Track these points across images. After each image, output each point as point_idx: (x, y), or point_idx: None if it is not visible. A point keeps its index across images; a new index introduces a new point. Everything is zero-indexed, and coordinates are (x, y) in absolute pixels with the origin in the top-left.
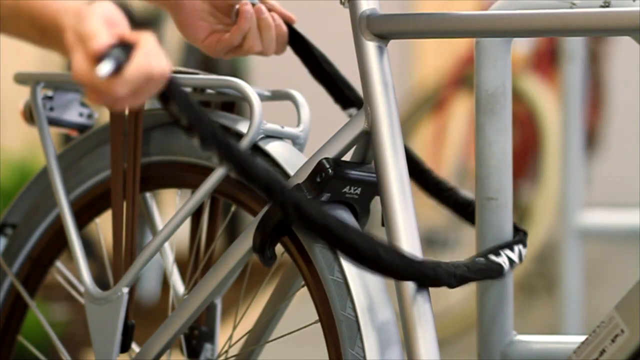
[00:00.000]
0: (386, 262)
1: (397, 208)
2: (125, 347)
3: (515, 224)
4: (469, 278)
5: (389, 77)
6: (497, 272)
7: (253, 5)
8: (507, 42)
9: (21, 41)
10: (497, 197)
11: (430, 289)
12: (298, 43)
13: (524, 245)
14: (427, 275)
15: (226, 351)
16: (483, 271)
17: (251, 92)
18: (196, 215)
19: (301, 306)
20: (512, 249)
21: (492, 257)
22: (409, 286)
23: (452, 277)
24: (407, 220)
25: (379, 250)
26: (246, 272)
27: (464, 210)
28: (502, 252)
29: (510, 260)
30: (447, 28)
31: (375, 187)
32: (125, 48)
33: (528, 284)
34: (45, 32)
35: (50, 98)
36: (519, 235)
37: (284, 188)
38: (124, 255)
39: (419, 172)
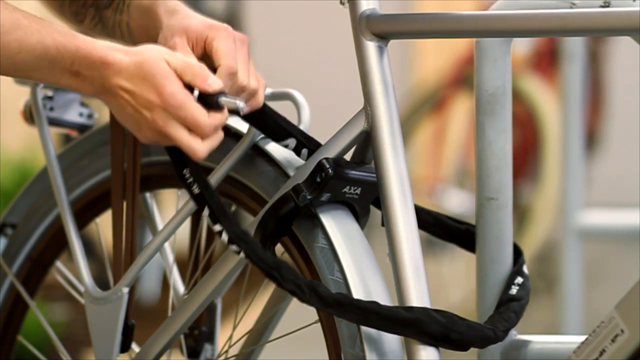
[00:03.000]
0: (462, 336)
1: (397, 208)
2: (125, 347)
3: (515, 243)
4: (514, 324)
5: (389, 77)
6: (525, 306)
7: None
8: (507, 42)
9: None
10: (497, 197)
11: (430, 289)
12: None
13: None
14: (489, 338)
15: (226, 351)
16: (519, 312)
17: None
18: (196, 215)
19: (301, 306)
20: (522, 274)
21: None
22: (409, 285)
23: (506, 332)
24: (407, 220)
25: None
26: (246, 272)
27: (464, 240)
28: (523, 282)
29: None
30: (447, 28)
31: (375, 187)
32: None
33: None
34: (79, 74)
35: (50, 98)
36: (521, 259)
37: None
38: (124, 255)
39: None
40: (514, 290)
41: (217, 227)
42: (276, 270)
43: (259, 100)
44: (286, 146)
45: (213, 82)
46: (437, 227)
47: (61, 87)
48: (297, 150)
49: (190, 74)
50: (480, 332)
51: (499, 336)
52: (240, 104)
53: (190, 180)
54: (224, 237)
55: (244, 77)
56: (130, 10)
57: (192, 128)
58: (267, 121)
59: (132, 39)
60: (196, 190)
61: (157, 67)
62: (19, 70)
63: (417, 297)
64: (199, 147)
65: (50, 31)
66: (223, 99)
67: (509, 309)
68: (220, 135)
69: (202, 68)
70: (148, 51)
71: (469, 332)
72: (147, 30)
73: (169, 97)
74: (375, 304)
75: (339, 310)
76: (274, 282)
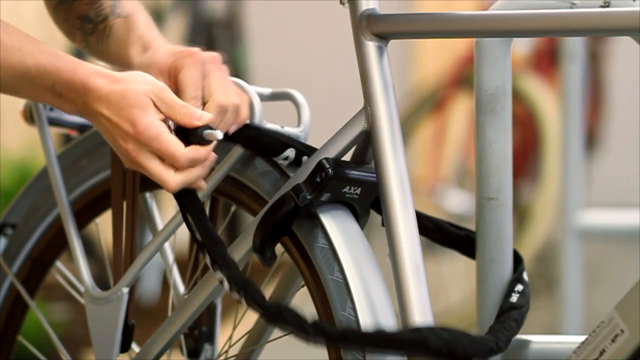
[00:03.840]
0: (466, 351)
1: (397, 208)
2: (125, 347)
3: (515, 250)
4: (515, 333)
5: (389, 77)
6: (525, 314)
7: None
8: (507, 42)
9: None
10: (497, 197)
11: (430, 289)
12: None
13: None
14: (492, 350)
15: (226, 351)
16: (520, 321)
17: (251, 92)
18: None
19: (301, 306)
20: (522, 281)
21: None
22: (409, 285)
23: (508, 341)
24: (407, 220)
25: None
26: (246, 272)
27: (464, 246)
28: (523, 289)
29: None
30: (447, 28)
31: (375, 187)
32: None
33: None
34: (61, 96)
35: None
36: (521, 266)
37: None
38: (124, 255)
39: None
40: (514, 297)
41: (218, 275)
42: (278, 314)
43: (243, 116)
44: (286, 158)
45: (202, 116)
46: (437, 232)
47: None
48: (297, 160)
49: (170, 108)
50: (483, 345)
51: (500, 347)
52: (219, 135)
53: (194, 226)
54: (225, 285)
55: (222, 96)
56: (110, 40)
57: (168, 160)
58: (262, 137)
59: (115, 66)
60: (199, 237)
61: (136, 99)
62: (0, 88)
63: (417, 298)
64: (171, 179)
65: (32, 50)
66: (206, 132)
67: (509, 317)
68: (200, 170)
69: (186, 106)
70: (131, 81)
71: (472, 345)
72: (124, 64)
73: (143, 130)
74: (381, 332)
75: (347, 344)
76: (278, 328)
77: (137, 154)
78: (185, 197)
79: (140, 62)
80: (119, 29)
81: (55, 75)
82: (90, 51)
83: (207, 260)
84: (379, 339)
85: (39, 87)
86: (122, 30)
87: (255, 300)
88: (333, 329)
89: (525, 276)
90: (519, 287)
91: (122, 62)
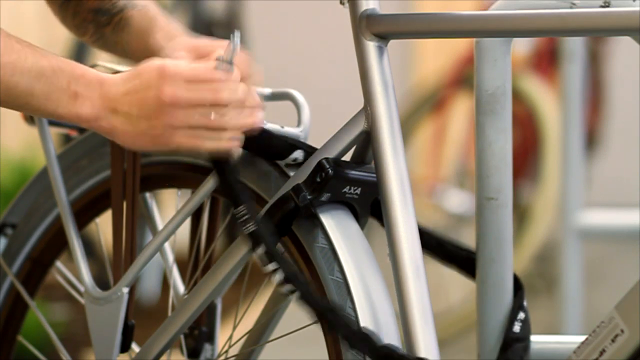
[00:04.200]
0: None
1: (397, 208)
2: (125, 347)
3: (515, 275)
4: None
5: (389, 77)
6: (529, 347)
7: None
8: (507, 42)
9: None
10: (497, 197)
11: (430, 289)
12: None
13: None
14: None
15: (226, 351)
16: (524, 357)
17: None
18: (196, 215)
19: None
20: (523, 309)
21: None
22: (409, 285)
23: None
24: (407, 220)
25: None
26: (246, 272)
27: (464, 265)
28: (525, 317)
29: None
30: (447, 28)
31: (375, 187)
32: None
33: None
34: (77, 96)
35: None
36: (521, 293)
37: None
38: (124, 255)
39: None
40: (517, 327)
41: (271, 267)
42: (330, 313)
43: (260, 118)
44: (295, 159)
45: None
46: (438, 249)
47: (61, 120)
48: (305, 161)
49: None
50: None
51: None
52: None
53: (247, 217)
54: (279, 277)
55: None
56: (130, 30)
57: (216, 97)
58: (272, 139)
59: (132, 57)
60: (252, 228)
61: (152, 68)
62: (13, 97)
63: (417, 298)
64: (225, 123)
65: (45, 54)
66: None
67: (514, 352)
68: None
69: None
70: (141, 68)
71: None
72: (146, 52)
73: (172, 73)
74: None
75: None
76: (325, 327)
77: (175, 117)
78: (235, 188)
79: (168, 46)
80: (139, 19)
81: (70, 72)
82: (102, 43)
83: (261, 250)
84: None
85: (54, 89)
86: (143, 20)
87: (309, 294)
88: (380, 344)
89: (525, 303)
90: (522, 316)
91: (144, 49)
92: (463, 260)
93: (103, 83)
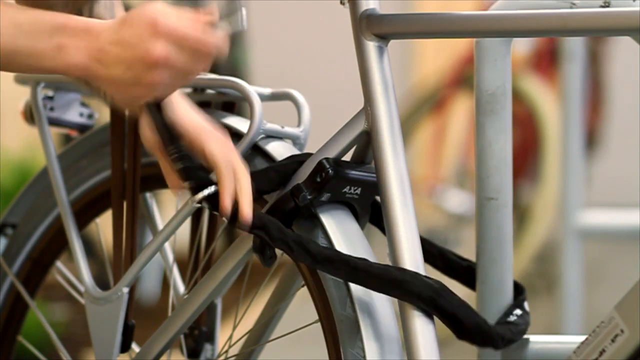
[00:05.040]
0: (452, 307)
1: (397, 208)
2: (125, 347)
3: (515, 281)
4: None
5: (389, 77)
6: (523, 331)
7: None
8: (507, 42)
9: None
10: (497, 197)
11: None
12: None
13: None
14: (479, 324)
15: (226, 351)
16: (516, 334)
17: (251, 92)
18: (196, 215)
19: (301, 306)
20: (522, 307)
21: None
22: None
23: (502, 340)
24: (407, 220)
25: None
26: (246, 272)
27: (465, 276)
28: (522, 314)
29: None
30: (447, 28)
31: (375, 187)
32: None
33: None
34: (62, 47)
35: (50, 98)
36: (522, 296)
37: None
38: (124, 255)
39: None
40: (512, 318)
41: (203, 193)
42: (264, 229)
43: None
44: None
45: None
46: (439, 260)
47: (49, 72)
48: None
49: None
50: (473, 314)
51: (492, 332)
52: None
53: (176, 156)
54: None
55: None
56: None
57: (203, 62)
58: (268, 172)
59: None
60: (180, 165)
61: (145, 14)
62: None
63: None
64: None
65: (22, 8)
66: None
67: (510, 324)
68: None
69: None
70: (135, 11)
71: (460, 306)
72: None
73: (165, 31)
74: (365, 261)
75: (329, 267)
76: (262, 241)
77: (161, 76)
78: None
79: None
80: (102, 10)
81: (50, 22)
82: None
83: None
84: (361, 269)
85: (37, 43)
86: (106, 12)
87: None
88: (319, 248)
89: (526, 305)
90: (518, 312)
91: None
92: (464, 271)
93: (89, 31)
